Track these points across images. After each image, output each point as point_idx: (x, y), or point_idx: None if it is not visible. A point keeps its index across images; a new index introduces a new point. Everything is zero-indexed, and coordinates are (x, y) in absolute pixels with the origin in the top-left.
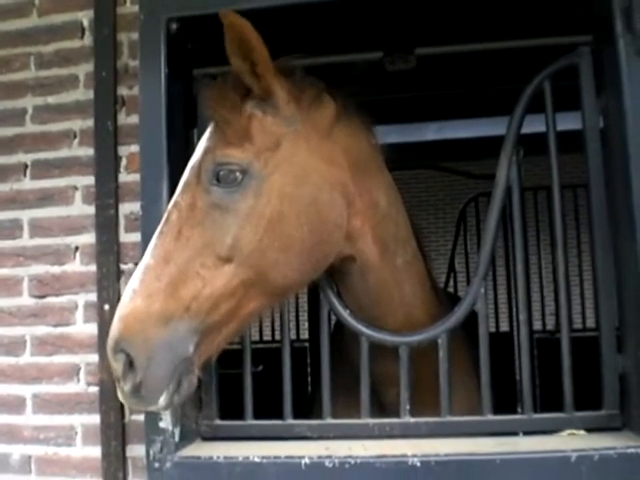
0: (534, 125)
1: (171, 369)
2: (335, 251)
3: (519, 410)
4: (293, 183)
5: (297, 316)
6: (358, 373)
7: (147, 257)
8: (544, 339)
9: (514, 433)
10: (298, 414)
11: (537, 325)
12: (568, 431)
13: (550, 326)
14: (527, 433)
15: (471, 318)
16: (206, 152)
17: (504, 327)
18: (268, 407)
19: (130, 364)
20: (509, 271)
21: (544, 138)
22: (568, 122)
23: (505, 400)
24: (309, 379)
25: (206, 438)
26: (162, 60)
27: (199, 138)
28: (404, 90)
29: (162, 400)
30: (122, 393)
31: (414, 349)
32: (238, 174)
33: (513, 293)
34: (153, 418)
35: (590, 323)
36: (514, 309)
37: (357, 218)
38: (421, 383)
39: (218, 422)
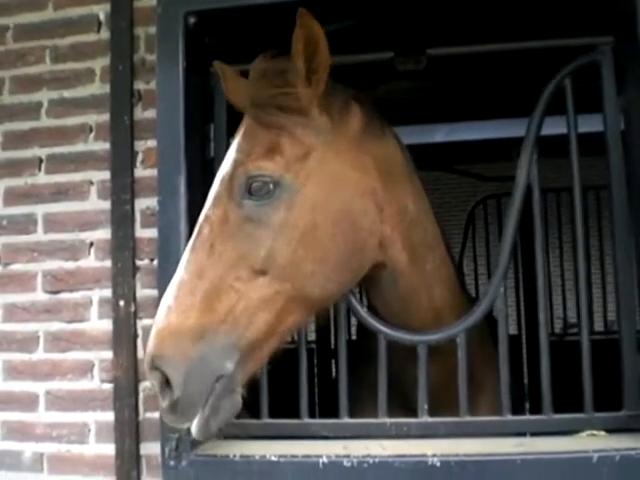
0: (553, 127)
1: (207, 386)
2: (371, 258)
3: (526, 409)
4: (325, 193)
5: None
6: (390, 377)
7: (180, 272)
8: (552, 342)
9: (532, 434)
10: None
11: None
12: (588, 432)
13: (558, 329)
14: (544, 434)
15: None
16: (237, 165)
17: (512, 330)
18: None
19: (166, 381)
20: (517, 273)
21: (564, 140)
22: (588, 125)
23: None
24: (315, 380)
25: (222, 436)
26: (180, 54)
27: (215, 134)
28: (414, 92)
29: (198, 418)
30: (161, 409)
31: (445, 351)
32: (270, 186)
33: (521, 295)
34: None
35: (598, 326)
36: (522, 312)
37: (387, 225)
38: (450, 385)
39: (234, 421)
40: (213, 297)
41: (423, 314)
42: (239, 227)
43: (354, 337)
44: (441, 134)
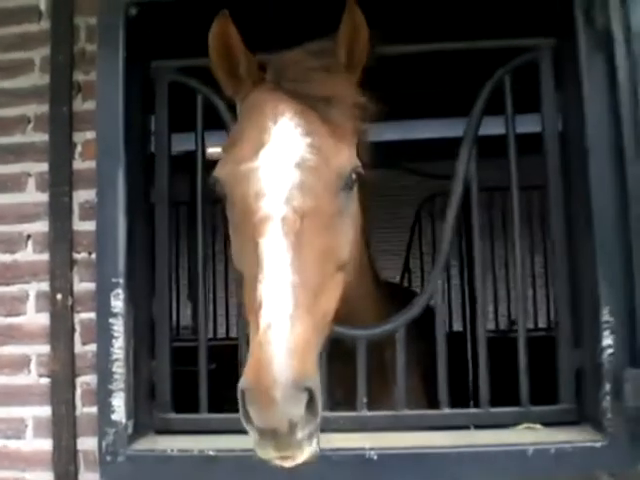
0: (490, 127)
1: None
2: None
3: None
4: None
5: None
6: None
7: (288, 273)
8: (497, 338)
9: (469, 427)
10: None
11: (490, 325)
12: (525, 425)
13: (503, 326)
14: (483, 427)
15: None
16: (323, 152)
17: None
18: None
19: (310, 402)
20: (462, 271)
21: (499, 140)
22: (525, 125)
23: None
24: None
25: (160, 431)
26: (120, 45)
27: (157, 125)
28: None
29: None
30: (287, 447)
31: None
32: (354, 177)
33: (467, 293)
34: (106, 410)
35: (541, 323)
36: (467, 309)
37: None
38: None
39: (172, 415)
40: (317, 301)
41: (349, 318)
42: (331, 219)
43: None
44: (390, 133)
